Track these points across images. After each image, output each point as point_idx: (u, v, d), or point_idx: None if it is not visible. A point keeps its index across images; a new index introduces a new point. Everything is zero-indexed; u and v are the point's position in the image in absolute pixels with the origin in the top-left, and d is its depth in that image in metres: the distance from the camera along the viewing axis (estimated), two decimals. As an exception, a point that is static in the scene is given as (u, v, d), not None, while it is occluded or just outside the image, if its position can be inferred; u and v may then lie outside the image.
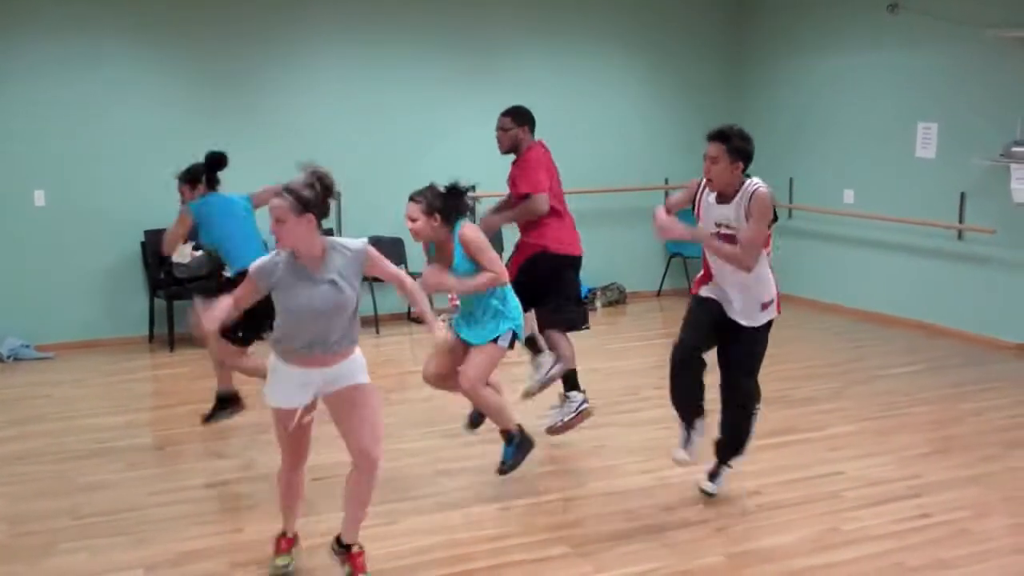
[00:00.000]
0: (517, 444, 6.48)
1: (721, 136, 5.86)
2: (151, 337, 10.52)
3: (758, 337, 6.08)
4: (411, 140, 11.44)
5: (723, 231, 5.93)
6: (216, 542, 5.87)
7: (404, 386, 8.93)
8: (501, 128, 7.43)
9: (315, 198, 4.95)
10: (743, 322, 6.02)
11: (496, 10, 11.75)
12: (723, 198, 5.95)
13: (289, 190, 4.92)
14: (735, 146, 5.84)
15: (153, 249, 10.31)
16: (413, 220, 6.19)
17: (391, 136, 11.35)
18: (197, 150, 10.41)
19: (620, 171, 12.29)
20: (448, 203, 6.17)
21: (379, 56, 11.27)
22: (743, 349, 6.09)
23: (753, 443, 6.36)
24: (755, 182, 5.91)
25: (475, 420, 6.95)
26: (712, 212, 5.99)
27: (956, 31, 10.26)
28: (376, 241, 10.88)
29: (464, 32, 11.61)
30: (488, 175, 11.64)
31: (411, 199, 6.22)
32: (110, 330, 10.47)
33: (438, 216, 6.15)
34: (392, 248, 11.17)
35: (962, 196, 10.46)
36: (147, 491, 6.63)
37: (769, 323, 6.09)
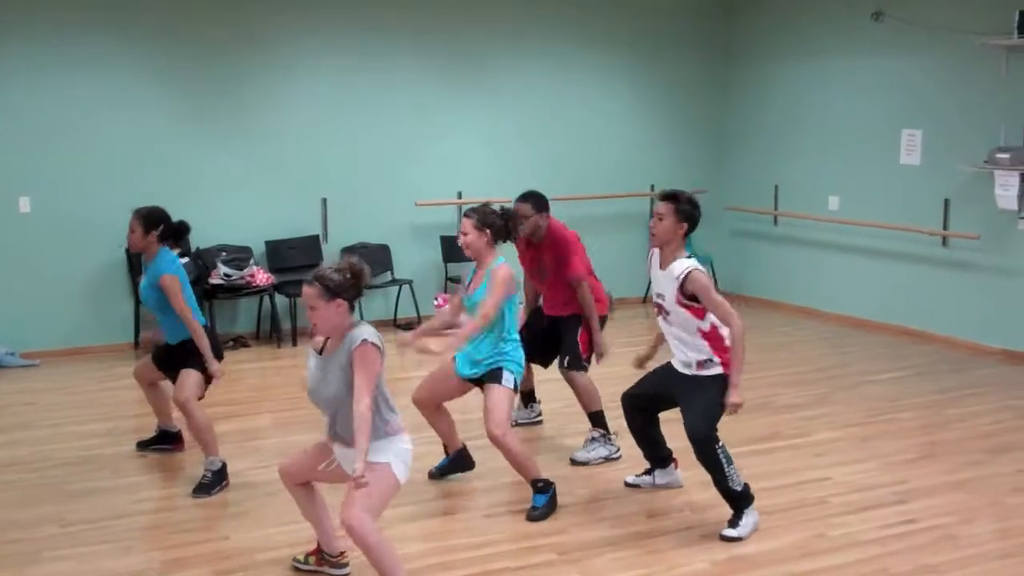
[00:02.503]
0: (551, 496, 6.39)
1: (671, 197, 6.13)
2: (136, 344, 10.49)
3: (696, 386, 6.09)
4: (398, 147, 11.43)
5: (656, 300, 6.24)
6: (202, 550, 5.86)
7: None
8: (522, 215, 7.35)
9: (343, 283, 4.96)
10: (684, 371, 6.18)
11: (483, 17, 11.76)
12: (663, 263, 6.17)
13: (317, 277, 5.00)
14: (683, 208, 6.09)
15: (138, 255, 10.29)
16: (465, 234, 6.42)
17: (378, 142, 11.34)
18: (183, 156, 10.51)
19: (606, 177, 12.32)
20: (499, 222, 6.43)
21: (367, 63, 11.26)
22: (685, 396, 6.16)
23: (750, 513, 6.10)
24: (688, 265, 6.02)
25: (442, 470, 6.97)
26: (656, 283, 6.27)
27: (940, 38, 10.31)
28: (363, 247, 10.90)
29: (451, 39, 11.61)
30: (474, 182, 11.72)
31: (465, 215, 6.48)
32: (95, 337, 10.44)
33: (488, 232, 6.39)
34: (379, 255, 11.18)
35: (946, 202, 10.50)
36: (133, 499, 6.62)
37: (713, 379, 6.04)
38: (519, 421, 8.02)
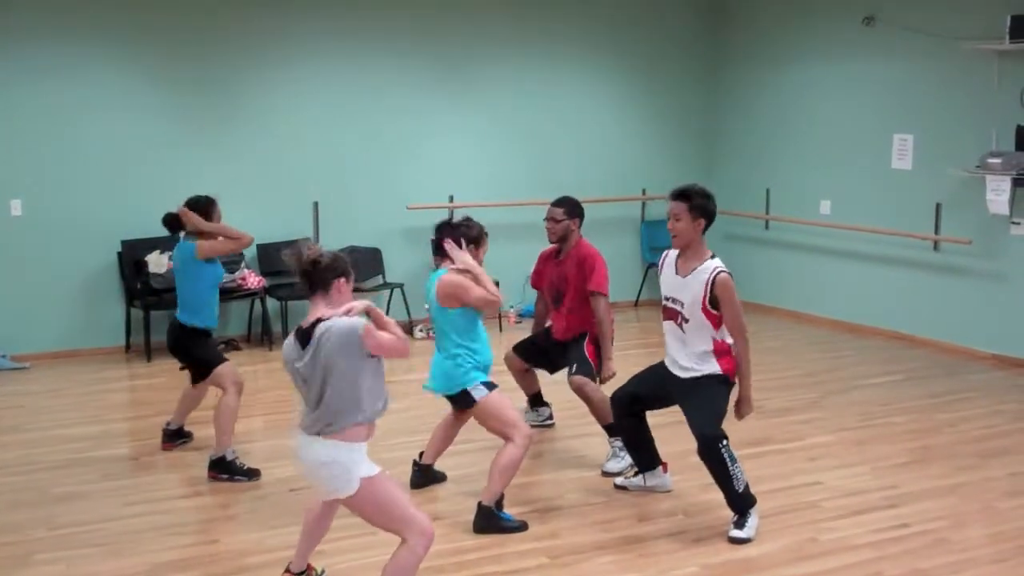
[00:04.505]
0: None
1: (682, 195, 6.07)
2: (128, 347, 10.46)
3: (694, 385, 6.11)
4: (390, 150, 11.42)
5: (668, 304, 6.18)
6: (192, 553, 5.84)
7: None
8: (552, 219, 7.39)
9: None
10: (680, 374, 6.17)
11: (475, 20, 11.75)
12: (682, 270, 6.14)
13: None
14: (696, 203, 6.04)
15: (130, 259, 10.28)
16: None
17: (370, 146, 11.32)
18: (175, 159, 10.48)
19: (598, 181, 12.30)
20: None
21: (359, 66, 11.25)
22: (685, 396, 6.16)
23: (753, 514, 6.08)
24: (716, 265, 6.06)
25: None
26: (671, 288, 6.21)
27: (932, 43, 10.32)
28: (353, 251, 10.87)
29: (442, 42, 11.60)
30: (465, 185, 11.71)
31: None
32: (87, 340, 10.41)
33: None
34: (370, 257, 11.16)
35: (938, 207, 10.51)
36: (123, 502, 6.59)
37: (710, 377, 6.08)
38: (528, 422, 7.91)
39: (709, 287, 5.97)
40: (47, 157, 10.12)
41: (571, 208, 7.44)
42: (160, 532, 6.13)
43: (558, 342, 7.52)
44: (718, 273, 5.99)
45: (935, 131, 10.52)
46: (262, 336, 10.85)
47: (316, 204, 11.14)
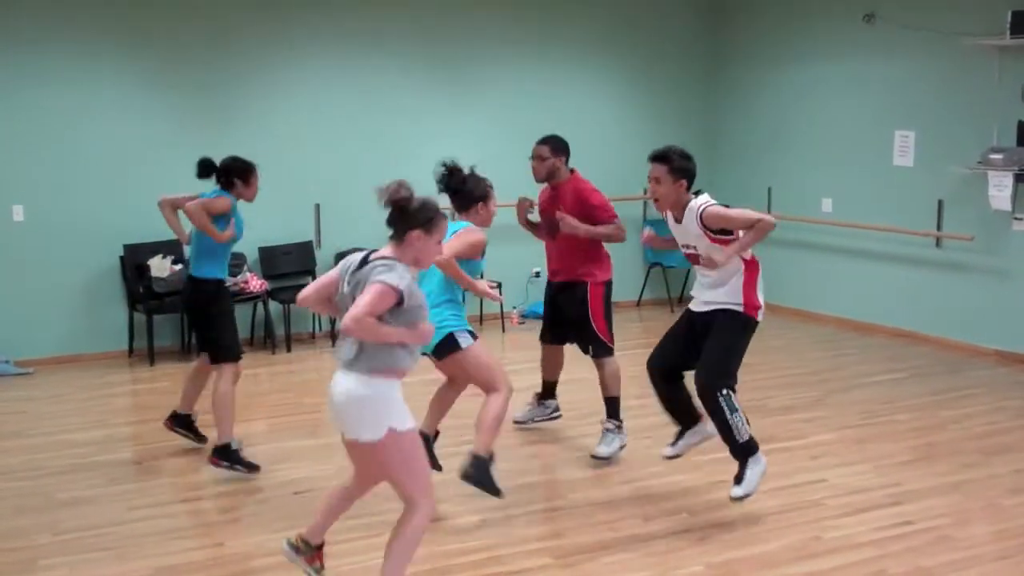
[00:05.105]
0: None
1: (662, 157, 6.11)
2: (131, 351, 10.46)
3: (713, 328, 6.07)
4: (391, 151, 11.42)
5: (686, 251, 6.18)
6: (197, 556, 5.84)
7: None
8: (538, 157, 7.40)
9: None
10: (700, 308, 6.16)
11: (475, 21, 11.76)
12: (678, 217, 6.17)
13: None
14: (676, 165, 6.06)
15: (132, 263, 10.28)
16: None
17: (370, 147, 11.32)
18: (176, 161, 10.46)
19: (598, 180, 12.20)
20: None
21: (359, 68, 11.27)
22: (705, 342, 6.13)
23: (755, 464, 6.10)
24: (699, 203, 6.03)
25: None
26: (680, 236, 6.26)
27: (933, 40, 10.31)
28: (353, 252, 10.86)
29: (443, 44, 11.61)
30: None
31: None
32: (89, 345, 10.41)
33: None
34: (372, 260, 11.15)
35: (940, 204, 10.51)
36: (127, 506, 6.59)
37: (729, 318, 6.05)
38: (536, 419, 7.93)
39: (703, 227, 5.97)
40: (48, 161, 10.13)
41: (556, 145, 7.52)
42: (164, 536, 6.13)
43: (556, 291, 7.48)
44: (703, 210, 5.98)
45: (936, 128, 10.52)
46: (265, 339, 10.85)
47: (318, 207, 11.15)
